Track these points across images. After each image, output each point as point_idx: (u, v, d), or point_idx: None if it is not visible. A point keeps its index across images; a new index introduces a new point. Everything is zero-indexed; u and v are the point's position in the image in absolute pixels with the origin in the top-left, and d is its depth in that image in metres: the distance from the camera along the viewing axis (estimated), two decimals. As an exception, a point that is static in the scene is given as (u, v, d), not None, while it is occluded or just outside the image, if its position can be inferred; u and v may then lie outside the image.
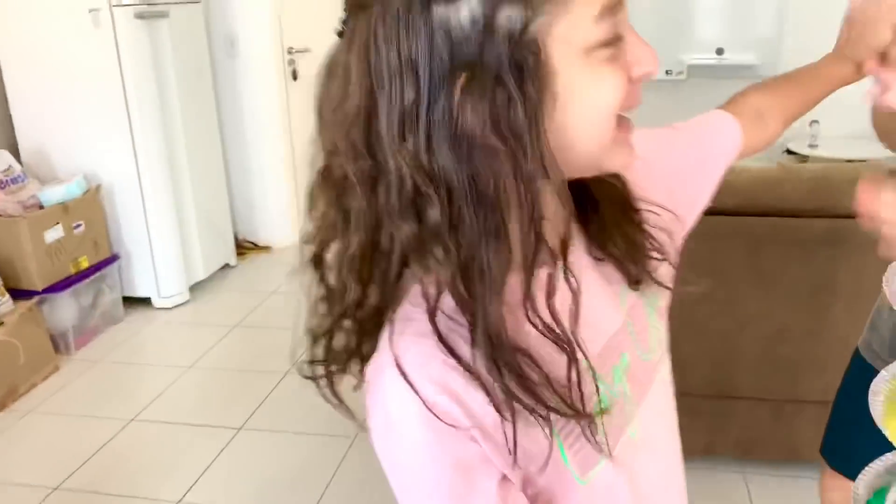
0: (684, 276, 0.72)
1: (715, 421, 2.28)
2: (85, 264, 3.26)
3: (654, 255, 0.68)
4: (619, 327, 0.66)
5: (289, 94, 4.23)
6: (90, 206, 3.31)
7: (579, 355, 0.56)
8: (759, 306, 2.15)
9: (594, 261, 0.66)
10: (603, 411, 0.59)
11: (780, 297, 2.14)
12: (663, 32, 4.40)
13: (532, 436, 0.55)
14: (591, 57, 0.53)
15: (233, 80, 4.12)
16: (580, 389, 0.56)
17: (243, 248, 4.30)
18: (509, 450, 0.54)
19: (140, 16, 3.25)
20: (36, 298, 3.01)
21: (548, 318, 0.55)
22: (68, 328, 3.16)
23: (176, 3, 3.48)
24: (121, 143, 3.34)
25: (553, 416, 0.55)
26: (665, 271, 0.70)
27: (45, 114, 3.34)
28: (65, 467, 2.44)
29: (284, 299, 3.47)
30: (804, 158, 4.24)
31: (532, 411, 0.54)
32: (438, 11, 0.48)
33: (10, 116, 3.38)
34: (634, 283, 0.68)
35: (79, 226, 3.22)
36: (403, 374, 0.52)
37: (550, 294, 0.54)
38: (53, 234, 3.10)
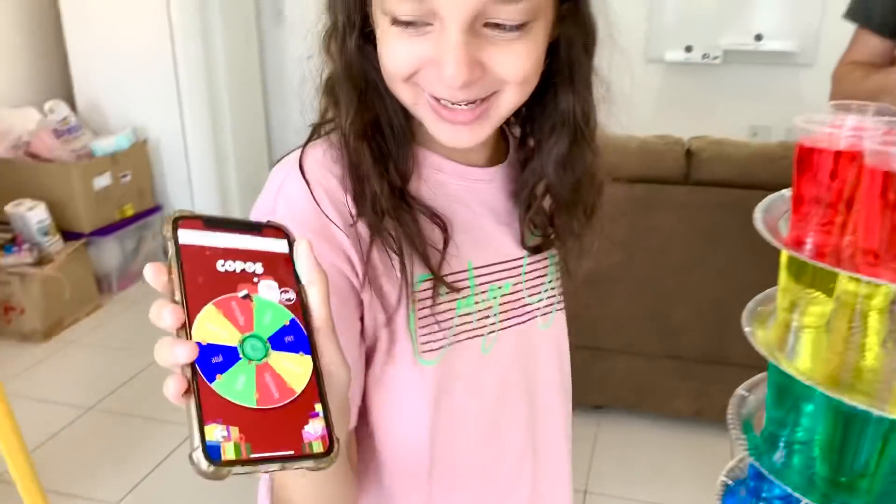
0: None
1: (705, 386, 2.37)
2: (130, 212, 3.48)
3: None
4: (513, 261, 0.76)
5: (331, 62, 4.39)
6: (137, 158, 3.52)
7: (454, 243, 0.70)
8: (753, 275, 2.24)
9: (512, 196, 0.77)
10: (457, 299, 0.71)
11: (773, 267, 2.22)
12: (701, 14, 4.42)
13: (391, 280, 0.66)
14: (393, 28, 0.61)
15: (278, 45, 4.29)
16: (445, 260, 0.68)
17: (281, 208, 4.49)
18: (364, 273, 0.65)
19: (192, -20, 3.43)
20: (83, 240, 3.24)
21: (428, 197, 0.70)
22: (112, 270, 3.39)
23: (227, -30, 3.65)
24: (168, 100, 3.54)
25: (412, 279, 0.67)
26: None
27: (101, 70, 3.56)
28: (100, 391, 2.66)
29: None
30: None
31: (396, 248, 0.66)
32: None
33: (69, 72, 3.61)
34: (542, 236, 0.78)
35: (126, 176, 3.44)
36: (303, 169, 0.66)
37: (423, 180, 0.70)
38: (102, 181, 3.32)
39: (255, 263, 0.47)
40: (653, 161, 2.29)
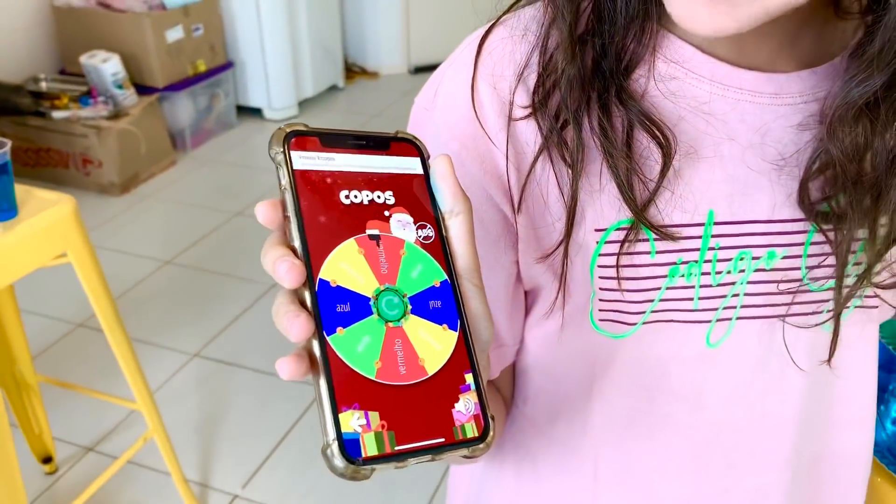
0: None
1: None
2: (202, 67, 3.42)
3: None
4: (794, 222, 0.49)
5: (408, -86, 4.14)
6: (209, 12, 3.43)
7: (685, 181, 0.48)
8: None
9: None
10: (672, 263, 0.49)
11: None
12: None
13: (561, 212, 0.48)
14: None
15: None
16: (655, 200, 0.47)
17: (352, 71, 4.38)
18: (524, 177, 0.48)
19: None
20: (157, 94, 3.21)
21: (656, 101, 0.48)
22: (185, 126, 3.38)
23: None
24: (240, -50, 3.40)
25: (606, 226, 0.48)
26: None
27: (171, -85, 3.42)
28: (176, 246, 2.70)
29: (387, 124, 3.56)
30: None
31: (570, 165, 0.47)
32: None
33: (138, -84, 3.48)
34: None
35: (198, 29, 3.36)
36: (480, 52, 0.49)
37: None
38: (174, 34, 3.25)
39: (385, 192, 0.37)
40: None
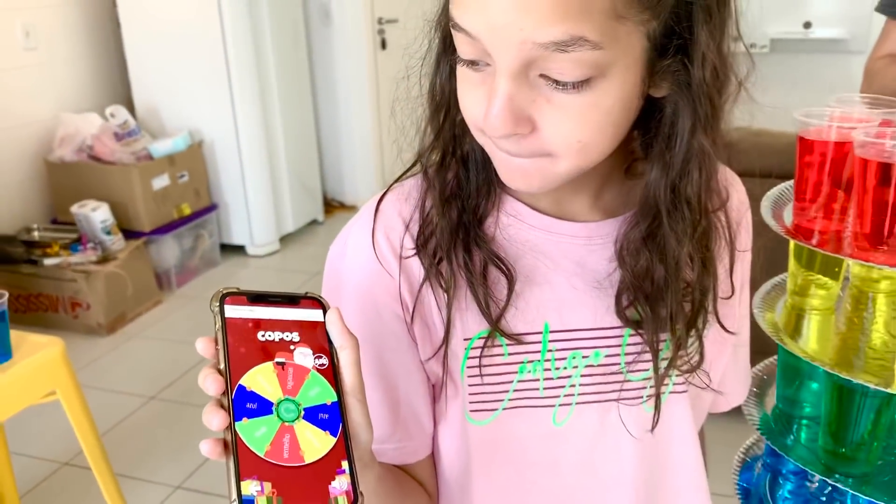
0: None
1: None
2: (187, 211, 3.63)
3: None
4: (610, 329, 0.65)
5: (378, 61, 4.49)
6: (194, 159, 3.67)
7: (526, 299, 0.63)
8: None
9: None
10: (520, 363, 0.64)
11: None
12: (746, 3, 4.38)
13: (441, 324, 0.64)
14: (463, 69, 0.56)
15: (326, 48, 4.40)
16: (503, 316, 0.62)
17: (331, 205, 4.61)
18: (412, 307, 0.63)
19: (242, -14, 3.56)
20: (143, 238, 3.40)
21: (502, 243, 0.64)
22: (171, 267, 3.55)
23: (275, -25, 3.78)
24: (222, 103, 3.68)
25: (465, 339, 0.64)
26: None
27: (158, 74, 3.72)
28: (161, 382, 2.80)
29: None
30: None
31: (445, 290, 0.62)
32: None
33: (127, 76, 3.78)
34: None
35: (183, 176, 3.59)
36: (378, 209, 0.65)
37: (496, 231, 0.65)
38: (160, 182, 3.48)
39: (292, 333, 0.53)
40: (691, 153, 2.32)
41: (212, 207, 3.81)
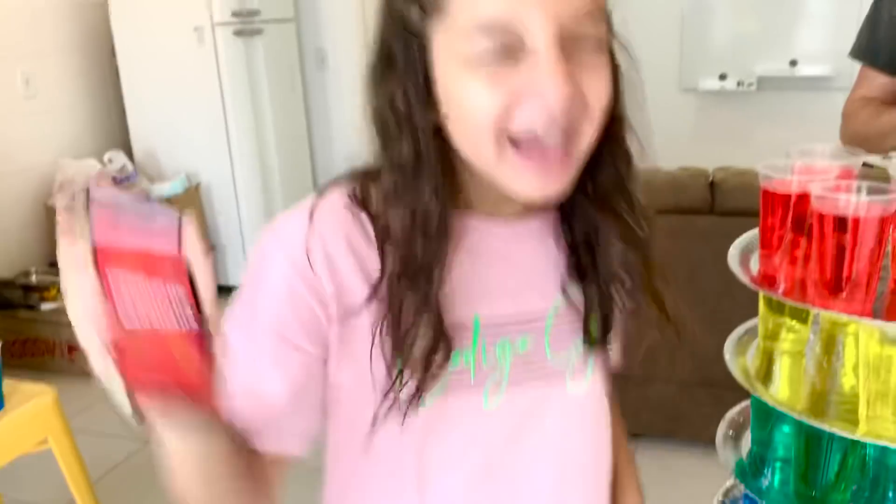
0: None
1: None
2: (184, 254, 3.66)
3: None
4: (536, 311, 0.72)
5: (372, 104, 4.56)
6: (191, 202, 3.71)
7: (458, 293, 0.67)
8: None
9: (555, 241, 0.73)
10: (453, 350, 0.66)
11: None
12: (734, 42, 4.46)
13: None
14: (471, 69, 0.58)
15: (322, 91, 4.47)
16: (443, 315, 0.65)
17: (327, 245, 4.64)
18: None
19: (238, 33, 3.64)
20: (141, 281, 3.41)
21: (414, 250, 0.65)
22: (168, 309, 3.56)
23: (271, 21, 3.86)
24: (219, 146, 3.74)
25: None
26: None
27: (156, 120, 3.78)
28: (157, 425, 2.80)
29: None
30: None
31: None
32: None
33: (126, 122, 3.84)
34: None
35: (180, 219, 3.62)
36: (313, 209, 0.67)
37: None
38: (158, 225, 3.51)
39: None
40: (679, 192, 2.36)
41: (209, 249, 3.83)
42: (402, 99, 0.63)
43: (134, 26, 3.68)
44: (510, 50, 0.58)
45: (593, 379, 0.77)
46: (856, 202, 0.72)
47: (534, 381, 0.72)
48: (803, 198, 0.82)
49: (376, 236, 0.66)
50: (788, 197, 0.82)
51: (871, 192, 0.74)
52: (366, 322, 0.65)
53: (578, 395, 0.76)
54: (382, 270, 0.65)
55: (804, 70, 4.39)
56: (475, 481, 0.73)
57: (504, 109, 0.59)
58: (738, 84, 4.43)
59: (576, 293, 0.73)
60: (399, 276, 0.64)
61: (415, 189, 0.64)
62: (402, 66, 0.63)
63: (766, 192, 0.85)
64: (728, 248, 2.50)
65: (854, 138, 1.38)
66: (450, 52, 0.60)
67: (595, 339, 0.74)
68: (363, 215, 0.67)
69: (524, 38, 0.57)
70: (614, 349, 0.79)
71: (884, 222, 0.73)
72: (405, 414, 0.67)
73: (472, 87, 0.59)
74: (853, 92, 1.53)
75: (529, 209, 0.71)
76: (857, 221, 0.72)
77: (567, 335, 0.73)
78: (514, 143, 0.60)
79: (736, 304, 2.44)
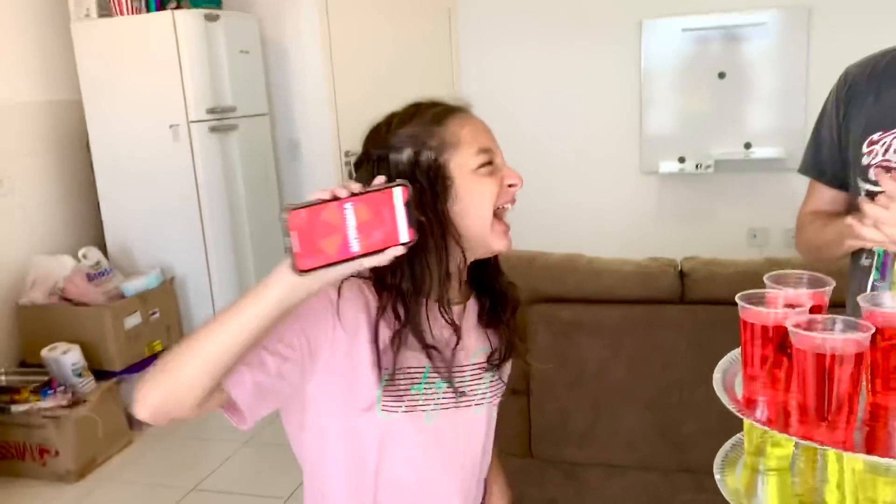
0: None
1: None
2: (159, 347, 3.64)
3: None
4: (462, 366, 1.11)
5: (344, 191, 4.64)
6: (165, 296, 3.71)
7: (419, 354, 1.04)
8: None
9: (476, 322, 1.15)
10: (412, 384, 1.04)
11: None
12: (691, 127, 4.67)
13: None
14: (476, 173, 1.04)
15: (296, 181, 4.54)
16: (453, 356, 1.06)
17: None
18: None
19: (214, 129, 3.72)
20: (115, 379, 3.39)
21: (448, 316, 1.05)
22: (142, 406, 3.51)
23: (245, 117, 3.95)
24: (194, 240, 3.77)
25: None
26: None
27: (130, 214, 3.81)
28: (133, 530, 2.74)
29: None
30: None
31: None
32: (393, 157, 1.03)
33: (100, 217, 3.86)
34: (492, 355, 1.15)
35: (155, 313, 3.62)
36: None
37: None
38: (132, 320, 3.50)
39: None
40: (649, 283, 2.44)
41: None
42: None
43: (109, 124, 3.74)
44: (492, 161, 1.05)
45: (491, 406, 1.17)
46: (832, 340, 0.79)
47: (455, 406, 1.09)
48: (780, 328, 0.88)
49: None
50: (767, 328, 0.89)
51: (846, 327, 0.81)
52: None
53: (479, 416, 1.15)
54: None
55: (758, 153, 4.60)
56: (419, 474, 1.10)
57: (497, 193, 1.04)
58: (697, 166, 4.62)
59: (486, 343, 1.14)
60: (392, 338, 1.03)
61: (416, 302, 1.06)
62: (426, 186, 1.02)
63: (744, 322, 0.91)
64: (700, 336, 2.57)
65: (808, 247, 1.50)
66: (463, 167, 1.03)
67: (493, 373, 1.14)
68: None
69: (491, 149, 1.05)
70: (504, 376, 1.19)
71: (860, 357, 0.79)
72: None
73: (482, 183, 1.04)
74: (804, 205, 1.62)
75: (465, 296, 1.14)
76: (834, 358, 0.79)
77: (478, 377, 1.13)
78: (496, 214, 1.04)
79: (711, 391, 2.51)
